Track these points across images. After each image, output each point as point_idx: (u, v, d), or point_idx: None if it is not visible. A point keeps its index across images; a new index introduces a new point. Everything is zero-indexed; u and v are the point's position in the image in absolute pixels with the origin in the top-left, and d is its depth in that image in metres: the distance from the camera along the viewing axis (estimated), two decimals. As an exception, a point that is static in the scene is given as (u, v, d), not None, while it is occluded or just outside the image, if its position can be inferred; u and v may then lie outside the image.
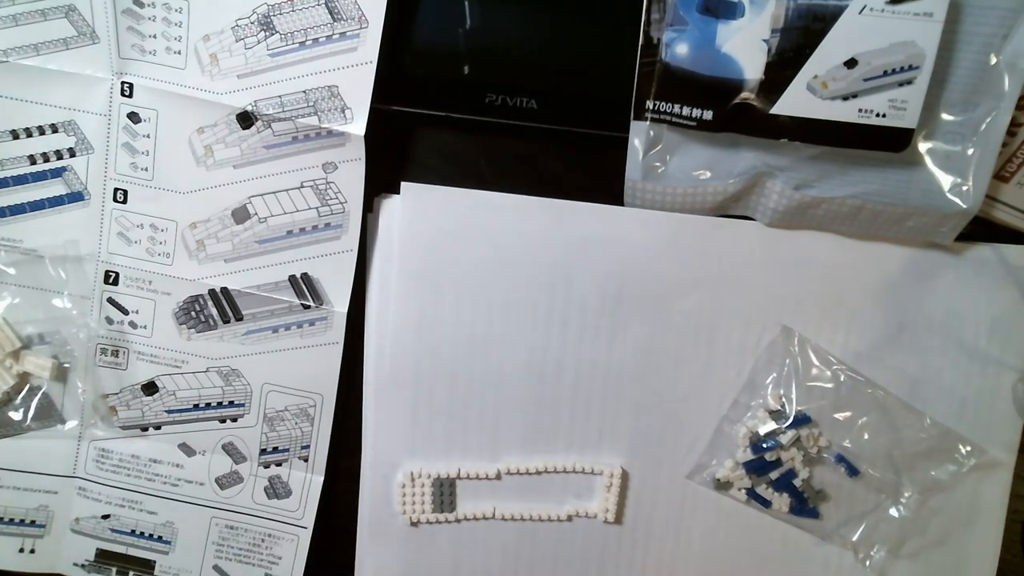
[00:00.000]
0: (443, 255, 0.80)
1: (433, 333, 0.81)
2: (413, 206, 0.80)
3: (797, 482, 0.79)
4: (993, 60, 0.70)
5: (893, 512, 0.80)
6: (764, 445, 0.79)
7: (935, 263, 0.79)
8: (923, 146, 0.72)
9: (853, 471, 0.79)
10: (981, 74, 0.70)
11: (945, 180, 0.72)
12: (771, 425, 0.79)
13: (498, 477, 0.83)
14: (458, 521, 0.84)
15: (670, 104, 0.71)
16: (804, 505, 0.80)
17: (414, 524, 0.84)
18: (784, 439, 0.78)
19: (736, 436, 0.80)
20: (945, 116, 0.72)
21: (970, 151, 0.72)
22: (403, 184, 0.80)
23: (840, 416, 0.79)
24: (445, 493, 0.83)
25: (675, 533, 0.84)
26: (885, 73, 0.68)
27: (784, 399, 0.79)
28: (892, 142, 0.70)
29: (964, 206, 0.72)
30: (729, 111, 0.70)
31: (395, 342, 0.82)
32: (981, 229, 0.77)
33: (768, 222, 0.77)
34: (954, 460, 0.79)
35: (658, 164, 0.75)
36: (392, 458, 0.84)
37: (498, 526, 0.84)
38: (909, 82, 0.68)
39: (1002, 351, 0.79)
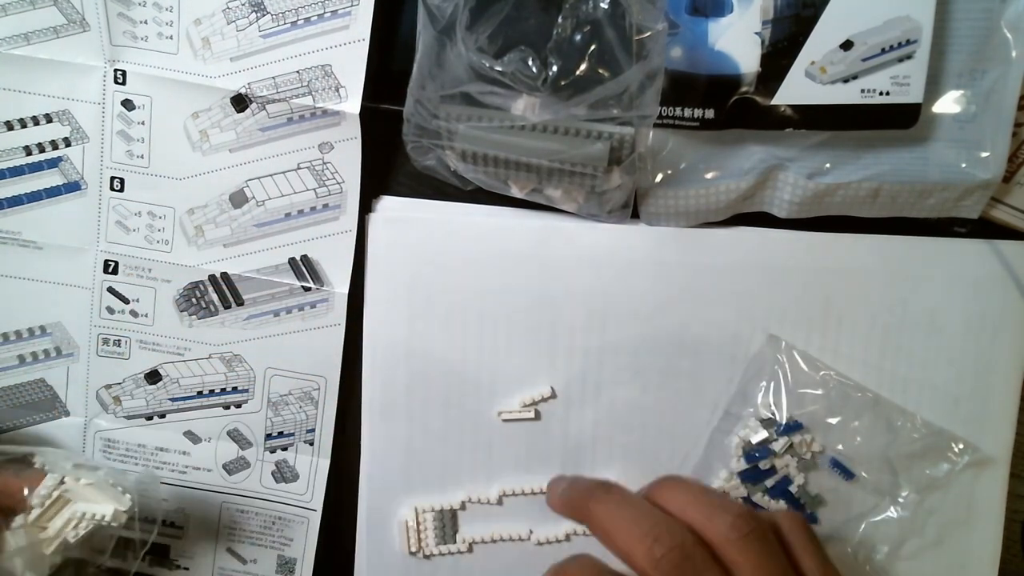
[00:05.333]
0: (426, 278, 0.85)
1: (423, 360, 0.86)
2: (390, 223, 0.85)
3: (793, 488, 0.83)
4: (995, 25, 0.73)
5: (891, 513, 0.83)
6: (757, 454, 0.83)
7: (922, 261, 0.82)
8: (935, 120, 0.75)
9: (848, 475, 0.83)
10: (985, 41, 0.74)
11: (962, 152, 0.76)
12: (763, 434, 0.82)
13: (499, 502, 0.88)
14: (460, 552, 0.88)
15: (672, 107, 0.74)
16: (802, 511, 0.84)
17: (413, 554, 0.88)
18: (776, 447, 0.82)
19: (729, 447, 0.85)
20: (953, 87, 0.75)
21: (984, 119, 0.75)
22: (379, 200, 0.86)
23: (832, 421, 0.83)
24: (447, 524, 0.88)
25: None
26: (883, 51, 0.72)
27: (774, 407, 0.83)
28: (900, 119, 0.74)
29: (986, 176, 0.75)
30: (730, 107, 0.74)
31: (385, 371, 0.87)
32: (981, 230, 0.81)
33: (786, 215, 0.80)
34: (948, 458, 0.82)
35: (668, 169, 0.79)
36: (390, 492, 0.89)
37: (498, 549, 0.88)
38: (909, 57, 0.72)
39: (993, 347, 0.83)
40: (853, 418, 0.83)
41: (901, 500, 0.84)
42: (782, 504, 0.84)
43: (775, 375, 0.84)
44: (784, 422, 0.84)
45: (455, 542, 0.88)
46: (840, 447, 0.84)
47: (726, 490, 0.85)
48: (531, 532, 0.88)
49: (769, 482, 0.85)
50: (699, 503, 0.63)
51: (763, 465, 0.84)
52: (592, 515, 0.66)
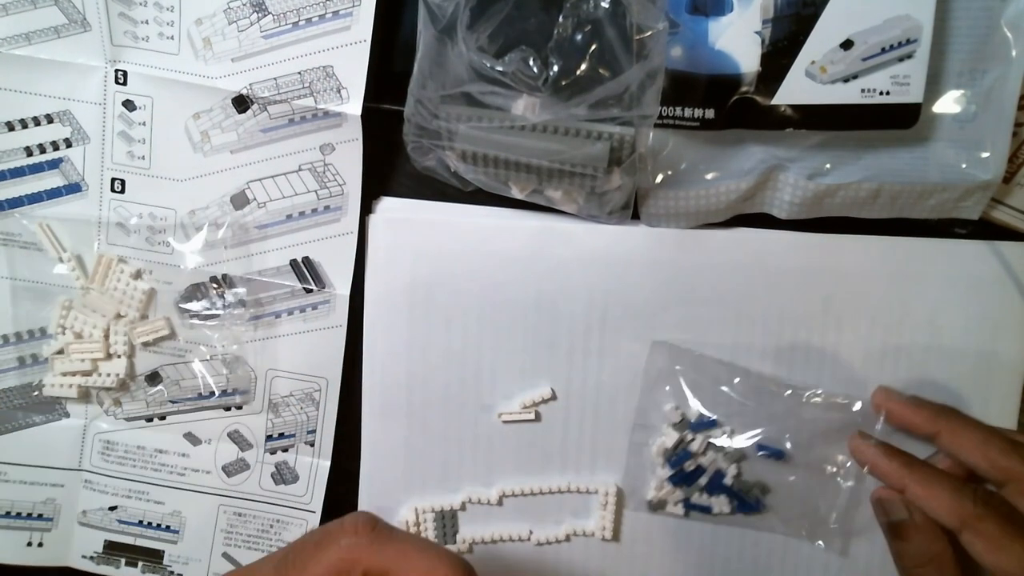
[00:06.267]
0: (426, 278, 0.86)
1: (423, 360, 0.87)
2: (390, 223, 0.86)
3: (728, 481, 0.85)
4: (995, 25, 0.74)
5: (836, 486, 0.84)
6: (676, 458, 0.85)
7: (921, 261, 0.83)
8: (935, 120, 0.76)
9: (778, 454, 0.84)
10: (985, 40, 0.74)
11: (962, 153, 0.76)
12: (675, 436, 0.83)
13: (499, 503, 0.88)
14: (460, 553, 0.88)
15: (672, 107, 0.75)
16: (745, 501, 0.85)
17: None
18: (694, 446, 0.84)
19: (649, 457, 0.86)
20: (954, 87, 0.75)
21: (984, 119, 0.75)
22: (379, 201, 0.86)
23: (747, 408, 0.85)
24: (448, 524, 0.88)
25: (674, 545, 0.88)
26: (883, 50, 0.72)
27: (682, 410, 0.85)
28: (900, 119, 0.74)
29: (986, 177, 0.75)
30: (730, 107, 0.74)
31: (384, 372, 0.87)
32: (981, 231, 0.81)
33: (786, 216, 0.80)
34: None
35: (668, 170, 0.79)
36: (390, 493, 0.89)
37: (498, 549, 0.89)
38: (909, 56, 0.72)
39: (993, 347, 0.83)
40: (768, 405, 0.84)
41: (843, 472, 0.85)
42: (723, 499, 0.86)
43: (673, 379, 0.85)
44: (693, 420, 0.85)
45: (455, 542, 0.89)
46: (761, 431, 0.85)
47: (662, 499, 0.86)
48: (531, 532, 0.89)
49: (702, 480, 0.85)
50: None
51: (688, 467, 0.85)
52: (909, 490, 0.76)
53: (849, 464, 0.84)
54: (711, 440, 0.84)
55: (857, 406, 0.83)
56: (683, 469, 0.85)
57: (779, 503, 0.86)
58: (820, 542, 0.85)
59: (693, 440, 0.84)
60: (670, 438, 0.84)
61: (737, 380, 0.84)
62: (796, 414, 0.84)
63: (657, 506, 0.86)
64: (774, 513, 0.86)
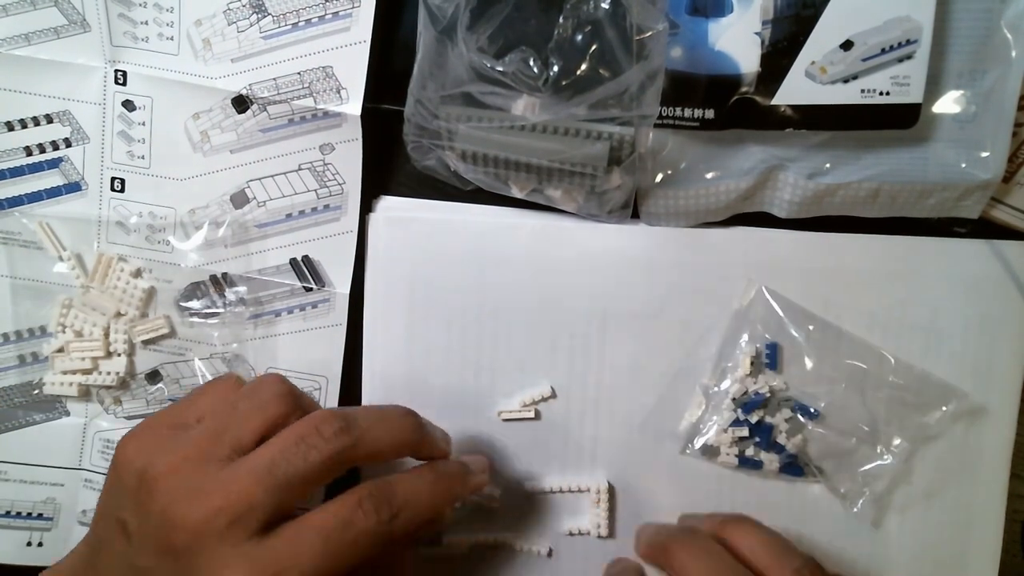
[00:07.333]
0: (426, 278, 0.85)
1: (423, 360, 0.86)
2: (390, 223, 0.85)
3: (782, 440, 0.83)
4: (995, 25, 0.74)
5: (881, 461, 0.83)
6: (748, 404, 0.83)
7: (921, 261, 0.82)
8: (935, 120, 0.76)
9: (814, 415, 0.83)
10: (985, 41, 0.74)
11: (962, 152, 0.76)
12: (750, 382, 0.83)
13: (496, 501, 0.86)
14: (462, 554, 0.88)
15: (672, 107, 0.75)
16: (795, 464, 0.84)
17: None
18: (765, 392, 0.82)
19: (719, 398, 0.84)
20: (954, 87, 0.76)
21: (984, 119, 0.75)
22: (379, 200, 0.87)
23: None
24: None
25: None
26: (883, 51, 0.72)
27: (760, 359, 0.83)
28: (900, 119, 0.74)
29: (986, 176, 0.76)
30: (730, 107, 0.74)
31: (384, 370, 0.87)
32: (981, 230, 0.81)
33: (786, 215, 0.80)
34: (935, 406, 0.82)
35: (668, 169, 0.79)
36: None
37: (498, 549, 0.88)
38: (909, 57, 0.72)
39: (993, 347, 0.82)
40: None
41: (894, 448, 0.84)
42: (774, 457, 0.84)
43: (768, 327, 0.85)
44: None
45: (441, 544, 0.88)
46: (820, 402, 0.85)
47: (718, 445, 0.84)
48: (531, 532, 0.89)
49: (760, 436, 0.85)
50: (768, 547, 0.71)
51: (753, 417, 0.84)
52: (673, 558, 0.72)
53: (898, 443, 0.84)
54: (780, 392, 0.84)
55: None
56: (748, 419, 0.83)
57: (828, 469, 0.85)
58: (854, 509, 0.85)
59: (764, 388, 0.83)
60: (746, 384, 0.83)
61: (812, 327, 0.84)
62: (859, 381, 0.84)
63: (712, 452, 0.85)
64: (815, 478, 0.85)
